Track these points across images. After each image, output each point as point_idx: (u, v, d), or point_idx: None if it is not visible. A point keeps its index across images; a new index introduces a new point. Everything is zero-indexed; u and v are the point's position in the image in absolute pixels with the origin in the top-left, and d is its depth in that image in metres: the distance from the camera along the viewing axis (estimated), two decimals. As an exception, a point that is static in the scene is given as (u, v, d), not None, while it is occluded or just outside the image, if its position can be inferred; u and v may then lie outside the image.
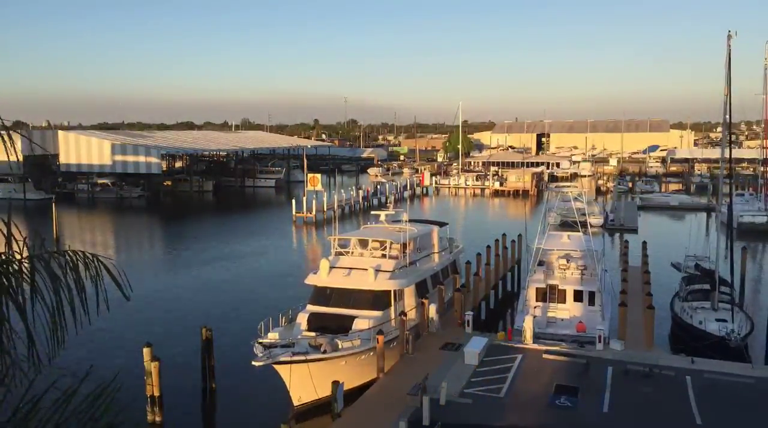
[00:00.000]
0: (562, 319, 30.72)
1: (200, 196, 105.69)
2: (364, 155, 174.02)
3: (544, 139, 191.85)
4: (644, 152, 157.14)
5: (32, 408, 4.95)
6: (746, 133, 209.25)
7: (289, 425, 20.18)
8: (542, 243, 35.34)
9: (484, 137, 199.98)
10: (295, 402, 24.53)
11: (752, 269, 47.57)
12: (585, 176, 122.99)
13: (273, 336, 25.59)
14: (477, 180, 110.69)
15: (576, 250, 35.44)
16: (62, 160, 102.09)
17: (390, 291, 28.59)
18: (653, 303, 29.36)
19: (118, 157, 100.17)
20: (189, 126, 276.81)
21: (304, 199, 76.16)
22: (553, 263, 34.90)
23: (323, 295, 28.74)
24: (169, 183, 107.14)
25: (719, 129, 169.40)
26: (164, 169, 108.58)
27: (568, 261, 34.45)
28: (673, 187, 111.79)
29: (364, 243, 32.06)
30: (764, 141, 73.99)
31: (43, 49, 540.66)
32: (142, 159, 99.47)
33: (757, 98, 68.36)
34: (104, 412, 5.10)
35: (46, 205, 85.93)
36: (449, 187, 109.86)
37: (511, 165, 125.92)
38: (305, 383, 24.04)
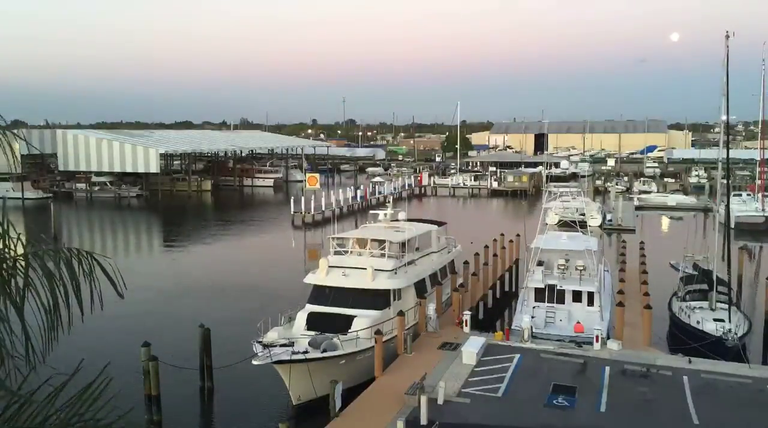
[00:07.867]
0: (561, 320, 30.66)
1: (198, 195, 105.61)
2: (363, 155, 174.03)
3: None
4: (642, 152, 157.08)
5: (24, 403, 4.94)
6: (744, 133, 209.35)
7: (288, 425, 20.14)
8: (541, 242, 35.18)
9: (482, 137, 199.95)
10: (294, 402, 24.53)
11: (749, 269, 47.65)
12: (583, 176, 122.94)
13: (272, 336, 25.59)
14: (475, 180, 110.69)
15: (575, 250, 35.27)
16: (60, 159, 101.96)
17: (389, 290, 28.59)
18: (651, 303, 29.41)
19: (116, 156, 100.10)
20: (187, 125, 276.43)
21: (303, 198, 76.18)
22: (552, 263, 34.74)
23: (322, 295, 28.74)
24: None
25: (717, 129, 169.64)
26: (162, 168, 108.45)
27: (567, 261, 34.30)
28: (670, 187, 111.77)
29: (362, 243, 31.99)
30: (762, 141, 74.06)
31: (42, 48, 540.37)
32: (140, 158, 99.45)
33: (754, 99, 68.53)
34: (90, 406, 5.08)
35: (44, 204, 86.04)
36: (448, 187, 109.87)
37: (510, 165, 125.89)
38: (304, 382, 24.03)
